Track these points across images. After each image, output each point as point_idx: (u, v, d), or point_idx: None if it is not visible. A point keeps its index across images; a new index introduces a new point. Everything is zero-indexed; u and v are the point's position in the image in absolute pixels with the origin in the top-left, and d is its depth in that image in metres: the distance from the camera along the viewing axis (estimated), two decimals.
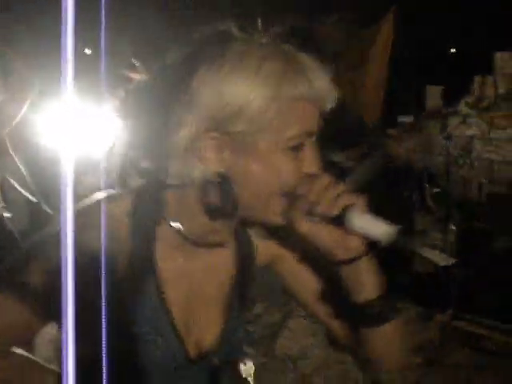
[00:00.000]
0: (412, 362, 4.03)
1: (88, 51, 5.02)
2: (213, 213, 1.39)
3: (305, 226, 1.39)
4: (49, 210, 2.52)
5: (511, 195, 6.53)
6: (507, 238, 4.08)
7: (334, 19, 8.00)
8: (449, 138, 4.55)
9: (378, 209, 1.37)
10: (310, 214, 1.37)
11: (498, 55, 7.45)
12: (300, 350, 4.19)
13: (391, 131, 5.27)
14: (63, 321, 0.84)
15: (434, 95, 8.33)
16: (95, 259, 1.19)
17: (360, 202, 1.38)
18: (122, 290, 1.40)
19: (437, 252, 4.62)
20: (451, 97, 8.18)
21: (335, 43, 7.67)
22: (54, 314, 1.01)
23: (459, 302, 4.29)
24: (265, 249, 1.66)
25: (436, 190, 7.40)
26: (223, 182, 1.32)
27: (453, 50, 8.60)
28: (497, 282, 4.08)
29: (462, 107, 7.85)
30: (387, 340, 1.53)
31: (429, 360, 3.99)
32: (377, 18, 7.92)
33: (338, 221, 1.37)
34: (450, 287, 4.34)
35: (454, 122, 7.97)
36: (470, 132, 7.83)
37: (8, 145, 2.52)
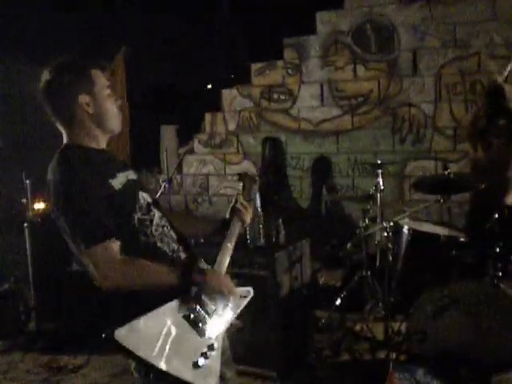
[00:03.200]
0: None
1: None
2: None
3: None
4: None
5: None
6: None
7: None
8: (170, 180, 4.49)
9: None
10: None
11: (226, 92, 7.69)
12: None
13: None
14: None
15: (169, 135, 8.34)
16: None
17: None
18: None
19: None
20: (185, 135, 8.26)
21: None
22: None
23: None
24: None
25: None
26: None
27: (182, 89, 8.75)
28: None
29: (196, 145, 7.95)
30: None
31: None
32: (108, 59, 7.82)
33: None
34: None
35: (190, 160, 8.04)
36: (205, 170, 7.95)
37: None
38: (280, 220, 4.09)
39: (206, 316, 2.25)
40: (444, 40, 6.36)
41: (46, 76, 2.26)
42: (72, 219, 2.13)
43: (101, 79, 2.33)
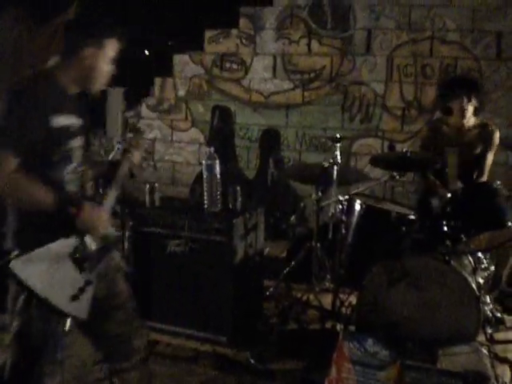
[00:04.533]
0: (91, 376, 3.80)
1: None
2: None
3: None
4: None
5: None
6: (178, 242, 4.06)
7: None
8: (123, 141, 4.45)
9: None
10: None
11: (177, 57, 7.60)
12: None
13: None
14: None
15: (116, 97, 8.18)
16: None
17: None
18: None
19: None
20: (132, 99, 8.13)
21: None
22: None
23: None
24: None
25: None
26: None
27: (133, 52, 8.55)
28: (172, 286, 4.05)
29: (144, 110, 7.85)
30: None
31: (109, 372, 3.80)
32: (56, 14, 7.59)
33: None
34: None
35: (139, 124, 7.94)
36: (152, 135, 7.87)
37: None
38: (238, 187, 4.11)
39: (85, 252, 2.52)
40: (399, 22, 6.46)
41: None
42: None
43: (110, 47, 2.61)
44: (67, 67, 2.55)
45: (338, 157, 4.34)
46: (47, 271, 2.39)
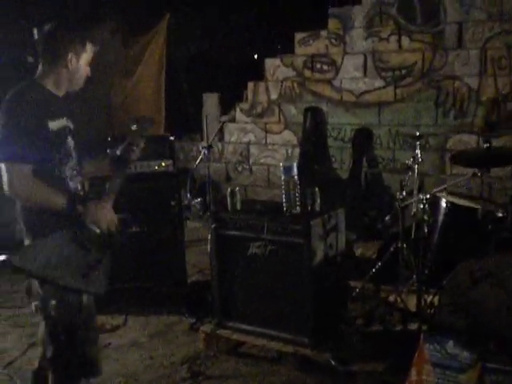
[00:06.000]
0: (178, 375, 3.94)
1: None
2: None
3: None
4: None
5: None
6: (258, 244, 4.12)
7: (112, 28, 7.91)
8: (209, 147, 4.59)
9: None
10: None
11: (269, 61, 7.68)
12: None
13: None
14: None
15: (211, 102, 8.39)
16: None
17: None
18: None
19: None
20: (227, 104, 8.30)
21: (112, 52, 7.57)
22: None
23: (222, 309, 4.23)
24: None
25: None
26: None
27: (226, 58, 8.76)
28: (254, 288, 4.08)
29: (238, 113, 7.99)
30: None
31: (194, 372, 3.91)
32: (151, 25, 7.89)
33: None
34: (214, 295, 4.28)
35: (231, 128, 8.10)
36: (246, 138, 7.99)
37: None
38: (316, 188, 4.11)
39: (90, 235, 2.73)
40: (490, 13, 6.23)
41: (53, 23, 2.78)
42: (6, 134, 2.59)
43: (91, 51, 2.86)
44: (53, 73, 2.78)
45: (419, 155, 4.24)
46: (50, 255, 2.63)
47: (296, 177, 4.04)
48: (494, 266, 3.59)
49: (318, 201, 4.11)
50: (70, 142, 2.84)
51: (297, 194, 4.06)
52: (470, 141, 6.48)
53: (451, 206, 4.17)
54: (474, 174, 3.92)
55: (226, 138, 8.16)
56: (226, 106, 8.29)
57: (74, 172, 2.86)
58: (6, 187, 2.59)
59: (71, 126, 2.88)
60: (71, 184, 2.82)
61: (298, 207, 4.08)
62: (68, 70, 2.78)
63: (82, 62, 2.82)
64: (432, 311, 4.03)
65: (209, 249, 4.30)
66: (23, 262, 2.64)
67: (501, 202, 4.80)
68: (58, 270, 2.65)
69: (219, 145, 8.16)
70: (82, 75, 2.87)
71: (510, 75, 6.21)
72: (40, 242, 2.67)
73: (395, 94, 6.91)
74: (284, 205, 4.09)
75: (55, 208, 2.64)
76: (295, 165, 4.07)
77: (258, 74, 7.85)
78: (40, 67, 2.82)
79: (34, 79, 2.81)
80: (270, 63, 7.69)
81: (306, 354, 3.97)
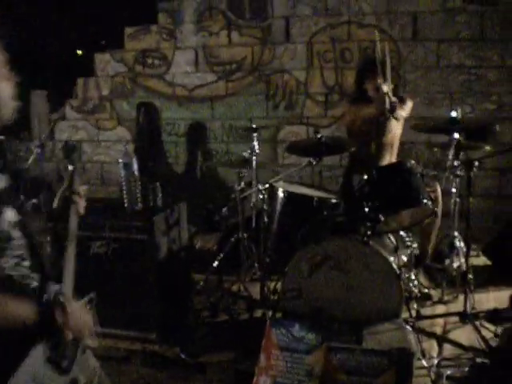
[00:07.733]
0: None
1: None
2: None
3: None
4: None
5: None
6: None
7: None
8: (42, 146, 4.37)
9: None
10: None
11: (98, 57, 7.49)
12: None
13: None
14: None
15: (39, 100, 8.01)
16: None
17: None
18: None
19: None
20: (57, 101, 7.98)
21: None
22: None
23: None
24: None
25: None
26: None
27: (53, 53, 8.40)
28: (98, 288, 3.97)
29: (68, 111, 7.72)
30: None
31: None
32: None
33: None
34: None
35: (62, 126, 7.80)
36: (78, 136, 7.74)
37: None
38: (157, 183, 4.09)
39: (65, 355, 2.19)
40: (315, 8, 6.51)
41: None
42: None
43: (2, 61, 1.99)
44: None
45: (256, 146, 4.35)
46: None
47: (136, 172, 3.99)
48: (332, 249, 3.77)
49: (160, 196, 4.10)
50: (5, 215, 2.06)
51: (137, 190, 4.02)
52: (299, 131, 6.75)
53: (287, 194, 4.31)
54: (310, 163, 4.09)
55: (57, 136, 7.84)
56: (56, 104, 7.96)
57: (15, 260, 2.12)
58: None
59: (2, 184, 2.09)
60: (15, 276, 2.11)
61: (139, 203, 4.03)
62: None
63: None
64: (276, 297, 4.15)
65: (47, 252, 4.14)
66: None
67: (331, 189, 5.04)
68: None
69: (50, 144, 7.83)
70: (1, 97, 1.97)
71: (335, 68, 6.54)
72: (18, 374, 1.97)
73: (227, 88, 7.02)
74: (125, 201, 4.02)
75: (19, 323, 1.94)
76: (134, 160, 4.02)
77: (89, 70, 7.62)
78: None
79: None
80: (100, 58, 7.49)
81: (155, 349, 3.96)
